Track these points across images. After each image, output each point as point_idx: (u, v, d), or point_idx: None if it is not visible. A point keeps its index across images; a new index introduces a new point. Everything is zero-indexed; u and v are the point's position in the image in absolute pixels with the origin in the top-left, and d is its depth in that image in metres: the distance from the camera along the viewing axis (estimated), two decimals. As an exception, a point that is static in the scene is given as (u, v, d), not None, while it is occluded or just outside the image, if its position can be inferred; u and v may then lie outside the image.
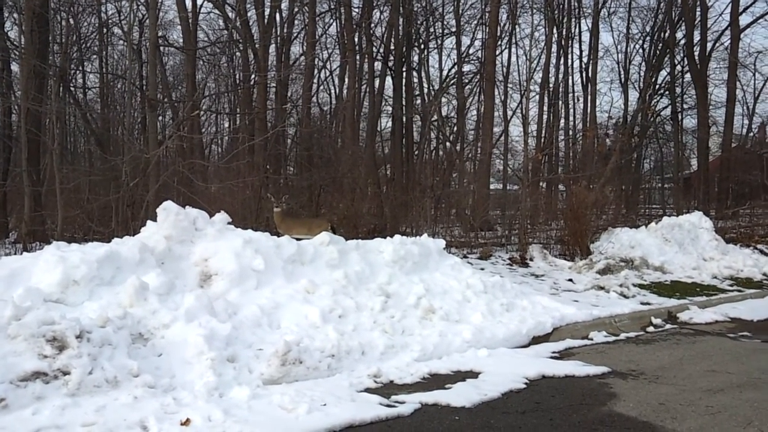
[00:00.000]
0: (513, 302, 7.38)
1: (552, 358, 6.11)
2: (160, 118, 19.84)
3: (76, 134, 25.66)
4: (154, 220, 6.60)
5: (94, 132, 20.36)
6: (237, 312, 5.67)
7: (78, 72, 23.42)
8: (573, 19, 26.50)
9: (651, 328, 7.69)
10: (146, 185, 10.27)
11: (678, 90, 27.10)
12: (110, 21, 22.62)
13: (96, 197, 10.88)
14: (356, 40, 20.75)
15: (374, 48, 22.29)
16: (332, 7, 22.70)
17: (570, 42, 26.53)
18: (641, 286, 10.07)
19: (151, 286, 5.46)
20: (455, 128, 25.10)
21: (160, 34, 19.04)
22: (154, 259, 6.00)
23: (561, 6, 25.59)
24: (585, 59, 27.07)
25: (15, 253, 9.75)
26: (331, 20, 24.28)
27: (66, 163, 19.24)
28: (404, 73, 22.76)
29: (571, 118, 27.34)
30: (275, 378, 4.89)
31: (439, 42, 26.06)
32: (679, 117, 27.01)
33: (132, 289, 5.29)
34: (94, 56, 24.02)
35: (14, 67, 18.48)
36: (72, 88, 20.66)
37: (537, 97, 25.71)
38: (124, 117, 19.58)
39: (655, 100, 26.82)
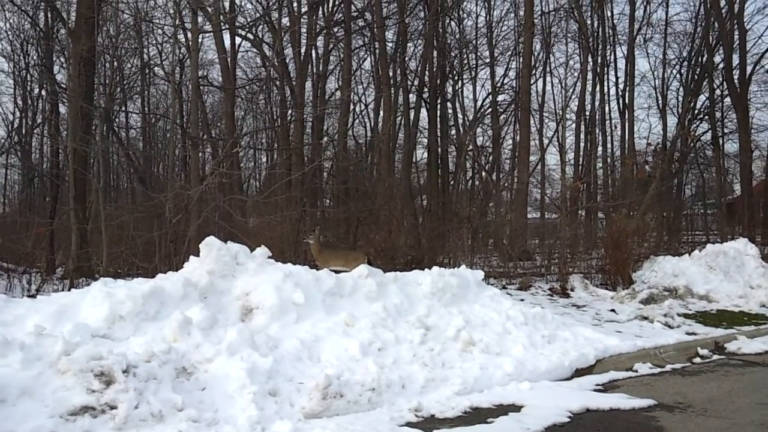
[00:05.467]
0: (555, 334, 7.28)
1: (596, 390, 5.99)
2: (200, 154, 20.31)
3: (119, 172, 26.39)
4: (197, 255, 6.73)
5: (137, 170, 20.95)
6: (278, 346, 5.72)
7: (121, 112, 24.21)
8: (608, 47, 26.42)
9: (698, 359, 7.49)
10: (188, 221, 10.49)
11: (718, 114, 26.65)
12: (152, 62, 23.41)
13: (139, 233, 11.13)
14: (391, 73, 21.03)
15: (409, 81, 22.55)
16: (366, 42, 23.08)
17: (605, 69, 26.42)
18: (686, 316, 9.83)
19: (194, 321, 5.56)
20: (491, 158, 25.09)
21: (200, 74, 19.62)
22: (197, 294, 6.11)
23: (595, 34, 25.57)
24: (621, 86, 26.89)
25: (62, 289, 10.04)
26: (366, 55, 24.71)
27: (110, 200, 19.79)
28: (439, 105, 22.94)
29: (609, 146, 27.06)
30: (316, 412, 4.90)
31: (473, 73, 26.22)
32: (720, 141, 26.51)
33: (176, 323, 5.40)
34: (137, 96, 24.81)
35: (62, 109, 19.23)
36: (115, 128, 21.33)
37: (573, 125, 25.59)
38: (165, 155, 20.13)
39: (695, 125, 26.40)
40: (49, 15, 18.78)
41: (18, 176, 26.01)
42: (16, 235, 14.37)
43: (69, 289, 8.66)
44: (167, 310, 5.73)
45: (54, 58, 19.24)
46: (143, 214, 12.11)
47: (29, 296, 7.33)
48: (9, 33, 21.58)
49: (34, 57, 21.53)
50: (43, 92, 21.09)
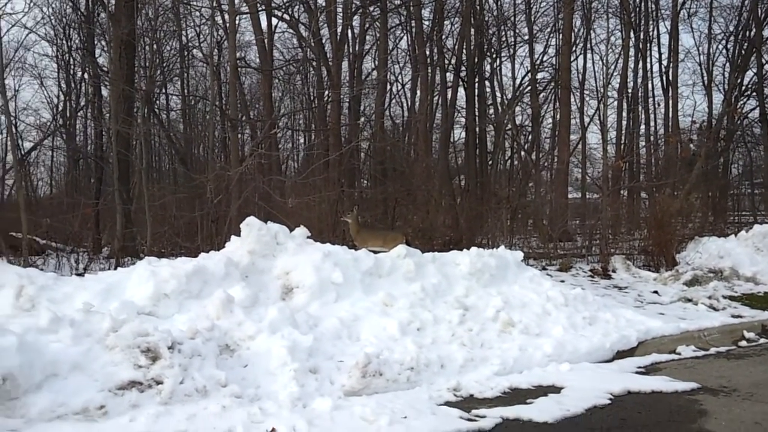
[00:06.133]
0: (595, 315, 7.19)
1: (637, 373, 5.91)
2: (240, 135, 20.52)
3: (161, 153, 26.84)
4: (237, 235, 6.84)
5: (178, 151, 21.26)
6: (318, 324, 5.79)
7: (161, 94, 24.54)
8: (651, 22, 25.67)
9: (743, 343, 7.31)
10: (228, 201, 10.64)
11: (766, 90, 25.74)
12: (190, 44, 23.62)
13: (182, 213, 11.35)
14: (427, 52, 20.83)
15: (446, 59, 22.31)
16: (403, 21, 22.87)
17: (648, 45, 25.71)
18: (732, 298, 9.59)
19: (236, 299, 5.66)
20: (530, 137, 24.74)
21: (238, 55, 19.74)
22: (239, 273, 6.21)
23: (638, 9, 24.85)
24: (665, 62, 26.11)
25: (108, 268, 10.33)
26: (402, 34, 24.48)
27: (152, 181, 20.18)
28: (476, 84, 22.64)
29: (652, 124, 26.42)
30: (356, 389, 4.96)
31: (512, 51, 25.75)
32: (769, 119, 25.63)
33: (219, 302, 5.50)
34: (176, 78, 25.11)
35: (104, 92, 19.59)
36: (156, 110, 21.66)
37: (615, 102, 25.01)
38: (205, 136, 20.39)
39: (742, 102, 25.51)
40: (90, -1, 19.09)
41: (64, 158, 26.66)
42: (63, 215, 14.77)
43: (115, 268, 8.91)
44: (210, 288, 5.84)
45: (95, 42, 19.57)
46: (185, 194, 12.35)
47: (77, 275, 7.55)
48: (52, 18, 21.96)
49: (76, 41, 21.93)
50: (86, 76, 21.46)
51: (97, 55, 19.64)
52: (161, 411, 4.24)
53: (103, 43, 19.51)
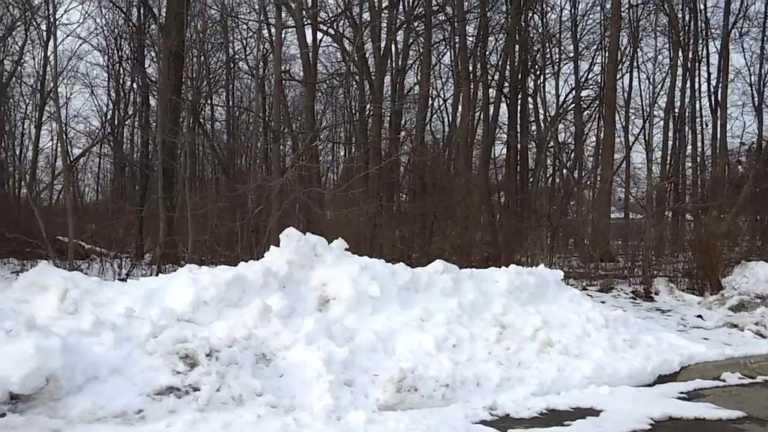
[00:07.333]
0: (637, 338, 7.02)
1: (679, 398, 5.75)
2: (281, 147, 20.79)
3: (204, 163, 27.33)
4: (276, 245, 6.89)
5: (221, 161, 21.61)
6: (353, 337, 5.78)
7: (207, 105, 25.03)
8: (700, 41, 25.15)
9: (793, 372, 7.04)
10: (268, 212, 10.76)
11: (820, 112, 24.90)
12: (237, 56, 24.07)
13: (222, 222, 11.52)
14: (470, 68, 20.80)
15: (489, 75, 22.24)
16: (446, 36, 22.91)
17: (697, 65, 25.15)
18: (780, 326, 9.25)
19: (274, 309, 5.70)
20: (573, 155, 24.43)
21: (282, 68, 20.03)
22: (277, 283, 6.26)
23: (687, 27, 24.39)
24: (714, 82, 25.51)
25: (150, 274, 10.53)
26: (445, 49, 24.50)
27: (195, 190, 20.55)
28: (519, 100, 22.50)
29: (699, 144, 25.79)
30: (390, 404, 4.92)
31: (556, 68, 25.54)
32: (823, 141, 24.76)
33: (257, 311, 5.55)
34: (222, 89, 25.58)
35: (152, 101, 20.08)
36: (201, 120, 22.10)
37: (661, 122, 24.54)
38: (248, 147, 20.68)
39: (794, 124, 24.77)
40: (142, 11, 19.65)
41: (110, 165, 27.36)
42: (108, 221, 15.15)
43: (156, 274, 9.08)
44: (248, 297, 5.89)
45: (145, 53, 20.12)
46: (226, 204, 12.51)
47: (120, 279, 7.73)
48: (104, 29, 22.72)
49: (127, 51, 22.59)
50: (135, 85, 22.07)
51: (146, 66, 20.18)
52: (198, 417, 4.28)
53: (153, 53, 20.05)
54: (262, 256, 6.97)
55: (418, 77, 22.83)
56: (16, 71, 21.22)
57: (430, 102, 23.79)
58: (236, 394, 4.52)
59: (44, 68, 20.33)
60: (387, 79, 21.21)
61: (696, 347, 7.16)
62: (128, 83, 22.92)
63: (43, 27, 19.99)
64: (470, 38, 21.30)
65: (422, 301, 6.68)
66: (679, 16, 24.02)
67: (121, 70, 22.99)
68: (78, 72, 24.05)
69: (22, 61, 21.24)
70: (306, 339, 5.34)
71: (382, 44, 18.88)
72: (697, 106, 25.48)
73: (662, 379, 6.36)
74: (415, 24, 20.43)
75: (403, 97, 21.92)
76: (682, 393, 5.94)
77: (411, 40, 21.79)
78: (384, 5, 19.07)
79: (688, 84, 24.79)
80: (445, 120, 26.97)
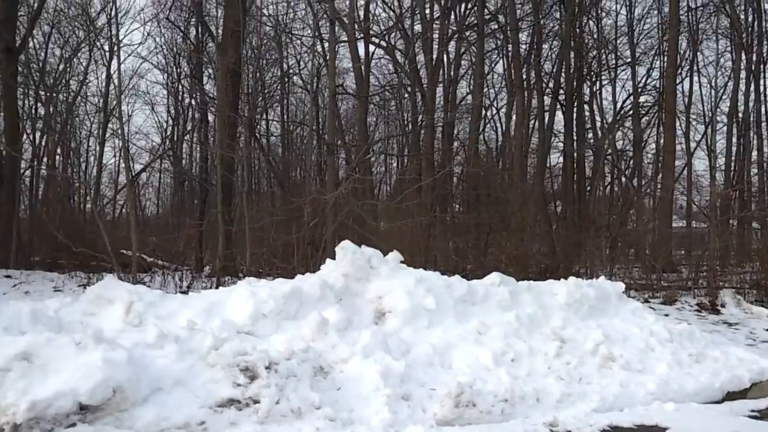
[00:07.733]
0: (703, 352, 6.75)
1: (750, 416, 5.48)
2: (335, 160, 21.01)
3: (260, 177, 27.88)
4: (332, 257, 6.94)
5: (277, 175, 22.01)
6: (410, 350, 5.75)
7: (262, 119, 25.54)
8: (765, 42, 24.26)
9: None
10: (324, 224, 10.87)
11: None
12: (291, 71, 24.52)
13: (279, 236, 11.69)
14: (524, 76, 20.61)
15: (543, 83, 21.98)
16: (499, 45, 22.78)
17: (762, 67, 24.26)
18: None
19: (330, 322, 5.72)
20: (632, 163, 23.85)
21: (336, 82, 20.28)
22: (333, 296, 6.29)
23: (750, 29, 23.56)
24: (780, 85, 24.56)
25: (210, 286, 10.77)
26: (498, 58, 24.36)
27: (252, 203, 20.96)
28: (575, 107, 22.16)
29: (765, 150, 24.82)
30: (448, 419, 4.87)
31: (613, 74, 25.06)
32: None
33: (314, 324, 5.58)
34: (276, 104, 26.09)
35: (210, 117, 20.63)
36: (257, 135, 22.56)
37: (724, 127, 23.74)
38: (303, 160, 21.00)
39: None
40: (200, 30, 20.27)
41: (170, 180, 28.21)
42: (169, 234, 15.58)
43: (216, 287, 9.27)
44: (305, 310, 5.94)
45: (203, 70, 20.72)
46: (282, 217, 12.70)
47: (181, 292, 7.92)
48: (164, 47, 23.53)
49: (186, 69, 23.34)
50: (193, 102, 22.75)
51: (204, 83, 20.77)
52: (258, 430, 4.32)
53: (210, 70, 20.64)
54: (318, 269, 7.02)
55: (471, 87, 22.76)
56: (81, 91, 22.18)
57: (483, 111, 23.68)
58: (295, 407, 4.55)
59: (107, 87, 21.21)
60: (439, 89, 21.25)
61: (767, 362, 6.83)
62: (187, 100, 23.66)
63: (106, 48, 20.91)
64: (523, 46, 21.14)
65: (479, 314, 6.59)
66: (742, 17, 23.24)
67: (181, 87, 23.77)
68: (139, 90, 25.12)
69: (86, 80, 22.20)
70: (363, 352, 5.33)
71: (434, 55, 18.90)
72: (762, 110, 24.56)
73: (731, 396, 6.09)
74: (467, 33, 20.39)
75: (455, 107, 21.90)
76: (753, 411, 5.66)
77: (463, 50, 21.78)
78: (435, 16, 19.11)
79: (752, 87, 23.92)
80: (499, 129, 26.82)
